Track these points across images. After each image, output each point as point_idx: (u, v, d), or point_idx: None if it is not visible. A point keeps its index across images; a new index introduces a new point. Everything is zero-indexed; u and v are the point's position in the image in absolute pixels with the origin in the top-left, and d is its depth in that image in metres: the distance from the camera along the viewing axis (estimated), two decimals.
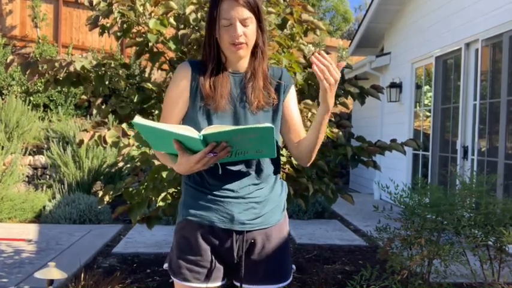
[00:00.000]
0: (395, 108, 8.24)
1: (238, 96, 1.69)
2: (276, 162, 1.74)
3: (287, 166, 2.91)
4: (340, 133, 2.81)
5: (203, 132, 1.46)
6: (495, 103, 5.35)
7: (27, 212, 6.30)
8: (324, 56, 1.54)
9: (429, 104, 7.29)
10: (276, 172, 1.74)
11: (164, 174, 2.59)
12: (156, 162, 2.62)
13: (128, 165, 3.33)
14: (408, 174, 7.63)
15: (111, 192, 2.85)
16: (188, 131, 1.48)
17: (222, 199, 1.65)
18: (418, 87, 7.73)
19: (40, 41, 10.51)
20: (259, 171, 1.68)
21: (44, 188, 7.26)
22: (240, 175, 1.66)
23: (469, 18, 5.87)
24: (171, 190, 2.82)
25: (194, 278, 1.67)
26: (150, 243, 5.11)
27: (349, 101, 3.31)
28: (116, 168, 7.51)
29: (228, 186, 1.65)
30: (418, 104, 7.77)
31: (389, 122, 8.56)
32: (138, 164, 2.80)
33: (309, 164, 1.78)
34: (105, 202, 2.88)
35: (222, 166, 1.63)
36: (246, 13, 1.62)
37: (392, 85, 8.06)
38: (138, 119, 1.47)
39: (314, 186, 2.88)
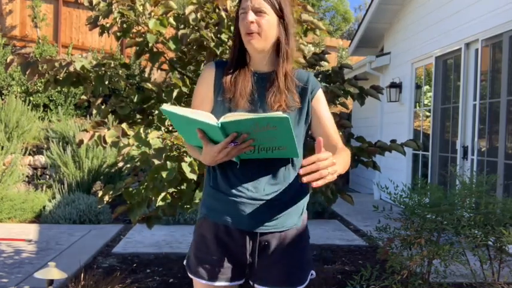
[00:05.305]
0: (395, 108, 8.24)
1: (259, 97, 1.67)
2: (297, 166, 1.69)
3: None
4: (340, 133, 2.80)
5: (221, 120, 1.47)
6: (495, 103, 5.35)
7: (27, 212, 6.30)
8: (309, 161, 1.37)
9: (429, 104, 7.29)
10: (296, 176, 1.68)
11: (164, 174, 2.58)
12: (156, 162, 2.61)
13: (128, 165, 3.33)
14: (408, 174, 7.63)
15: (111, 192, 2.85)
16: (208, 118, 1.49)
17: (237, 199, 1.63)
18: (418, 87, 7.73)
19: (40, 41, 10.50)
20: (277, 173, 1.65)
21: (44, 188, 7.26)
22: (258, 175, 1.64)
23: (469, 18, 5.87)
24: (171, 190, 2.81)
25: (208, 275, 1.68)
26: (150, 243, 5.11)
27: (349, 101, 3.31)
28: (116, 168, 7.51)
29: (244, 186, 1.63)
30: (418, 104, 7.77)
31: (389, 122, 8.56)
32: (138, 164, 2.80)
33: None
34: (105, 202, 2.88)
35: (241, 164, 1.62)
36: (261, 3, 1.61)
37: (392, 85, 8.06)
38: (166, 106, 1.50)
39: None
